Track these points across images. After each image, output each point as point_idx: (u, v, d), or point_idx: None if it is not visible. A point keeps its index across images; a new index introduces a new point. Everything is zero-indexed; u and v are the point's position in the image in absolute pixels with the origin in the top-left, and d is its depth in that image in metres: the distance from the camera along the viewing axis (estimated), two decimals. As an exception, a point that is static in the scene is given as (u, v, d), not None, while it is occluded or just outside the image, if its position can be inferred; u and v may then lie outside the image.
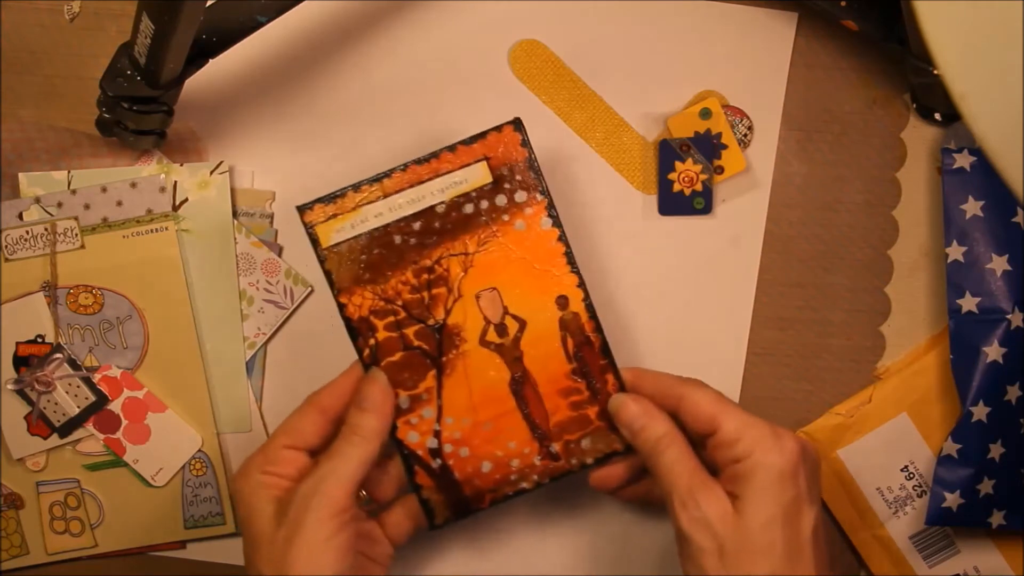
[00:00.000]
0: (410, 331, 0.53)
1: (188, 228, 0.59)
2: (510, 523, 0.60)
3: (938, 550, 0.60)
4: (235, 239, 0.60)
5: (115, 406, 0.59)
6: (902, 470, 0.60)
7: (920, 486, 0.60)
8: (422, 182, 0.52)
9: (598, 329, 0.53)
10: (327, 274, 0.52)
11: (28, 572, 0.60)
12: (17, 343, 0.59)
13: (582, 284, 0.53)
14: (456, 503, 0.54)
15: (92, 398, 0.59)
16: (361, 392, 0.52)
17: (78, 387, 0.59)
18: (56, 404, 0.59)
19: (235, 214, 0.60)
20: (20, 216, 0.58)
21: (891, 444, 0.60)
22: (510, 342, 0.53)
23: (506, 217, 0.53)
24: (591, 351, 0.53)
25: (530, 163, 0.53)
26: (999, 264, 0.58)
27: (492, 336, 0.53)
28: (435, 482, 0.54)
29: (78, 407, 0.59)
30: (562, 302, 0.53)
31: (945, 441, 0.58)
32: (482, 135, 0.52)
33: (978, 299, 0.58)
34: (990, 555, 0.60)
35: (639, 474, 0.55)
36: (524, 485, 0.54)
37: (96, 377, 0.59)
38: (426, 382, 0.53)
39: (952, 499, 0.58)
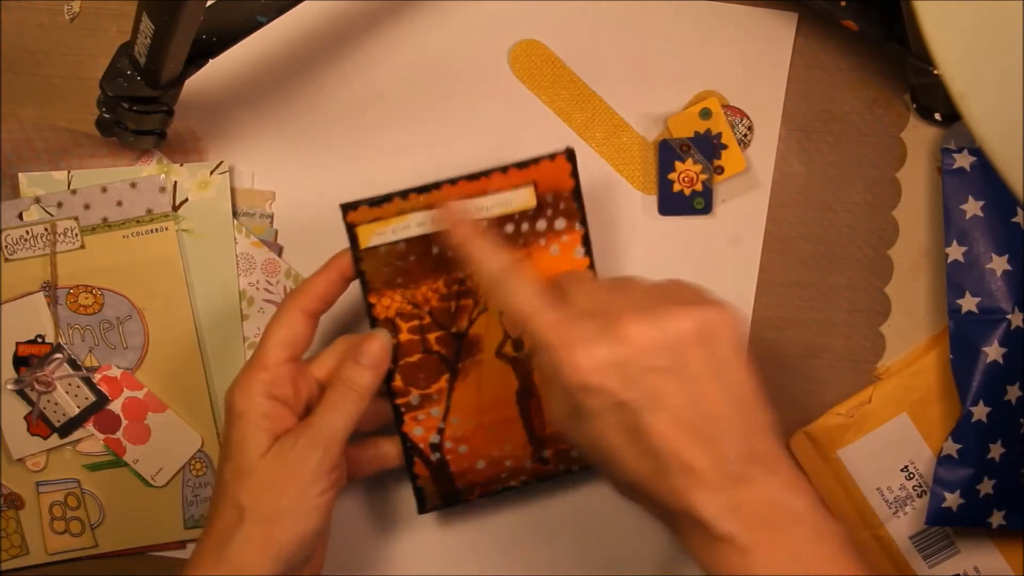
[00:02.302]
0: (432, 336, 0.54)
1: (188, 228, 0.59)
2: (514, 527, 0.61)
3: (938, 550, 0.60)
4: (235, 239, 0.60)
5: (115, 406, 0.59)
6: (902, 470, 0.60)
7: (920, 486, 0.60)
8: (469, 197, 0.53)
9: None
10: (360, 274, 0.53)
11: (28, 572, 0.60)
12: (17, 343, 0.59)
13: None
14: (447, 493, 0.56)
15: (92, 398, 0.59)
16: (361, 348, 0.52)
17: (78, 387, 0.59)
18: (56, 404, 0.59)
19: (235, 214, 0.60)
20: (20, 216, 0.58)
21: (891, 444, 0.60)
22: (524, 356, 0.55)
23: (543, 241, 0.54)
24: None
25: (576, 194, 0.54)
26: (999, 264, 0.58)
27: (508, 349, 0.55)
28: (431, 474, 0.56)
29: (78, 407, 0.59)
30: None
31: (945, 441, 0.58)
32: (535, 161, 0.53)
33: (978, 299, 0.58)
34: (990, 555, 0.61)
35: None
36: (512, 483, 0.57)
37: (96, 377, 0.59)
38: (439, 384, 0.55)
39: (952, 499, 0.58)
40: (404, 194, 0.52)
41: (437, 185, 0.52)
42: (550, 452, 0.56)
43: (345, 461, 0.54)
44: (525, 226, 0.54)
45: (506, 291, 0.48)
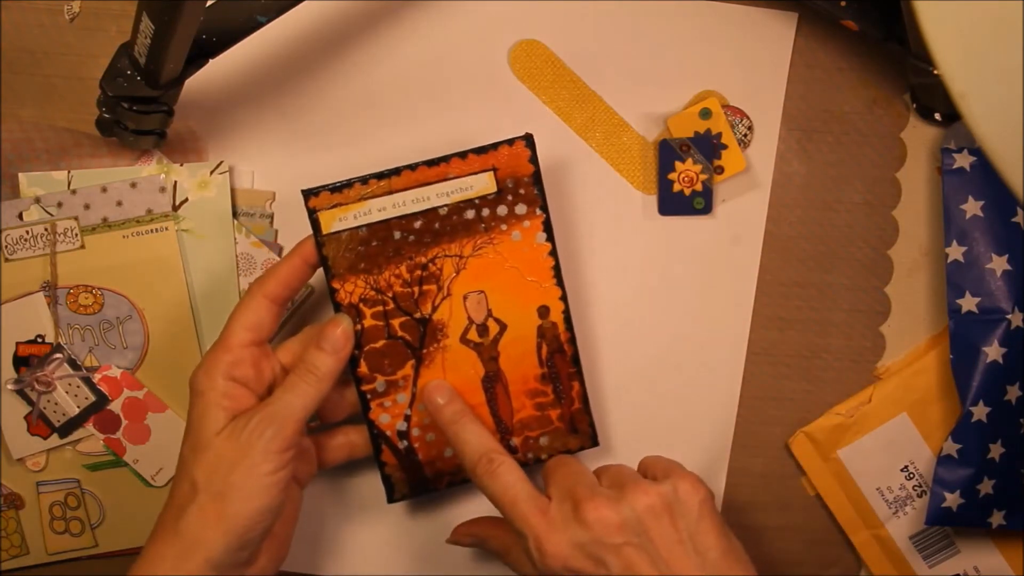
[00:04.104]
0: (396, 322, 0.55)
1: (188, 228, 0.59)
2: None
3: (938, 550, 0.60)
4: (235, 239, 0.60)
5: (115, 406, 0.59)
6: (902, 470, 0.60)
7: (920, 486, 0.60)
8: (429, 183, 0.54)
9: (572, 340, 0.56)
10: (323, 259, 0.54)
11: (28, 572, 0.60)
12: (17, 343, 0.59)
13: (564, 298, 0.56)
14: (415, 482, 0.57)
15: (92, 398, 0.59)
16: (323, 333, 0.53)
17: (78, 387, 0.59)
18: (56, 404, 0.59)
19: (235, 214, 0.60)
20: (20, 216, 0.58)
21: (891, 444, 0.60)
22: (489, 342, 0.55)
23: (504, 227, 0.55)
24: (563, 359, 0.56)
25: (535, 179, 0.54)
26: (999, 264, 0.58)
27: (473, 335, 0.55)
28: (399, 462, 0.56)
29: (78, 407, 0.59)
30: (543, 311, 0.56)
31: (945, 441, 0.58)
32: (494, 146, 0.54)
33: (978, 299, 0.58)
34: (990, 555, 0.61)
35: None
36: None
37: (96, 377, 0.59)
38: (404, 370, 0.55)
39: (952, 499, 0.58)
40: (364, 180, 0.53)
41: (397, 171, 0.53)
42: (518, 440, 0.56)
43: (312, 447, 0.55)
44: (486, 212, 0.54)
45: (490, 476, 0.51)
